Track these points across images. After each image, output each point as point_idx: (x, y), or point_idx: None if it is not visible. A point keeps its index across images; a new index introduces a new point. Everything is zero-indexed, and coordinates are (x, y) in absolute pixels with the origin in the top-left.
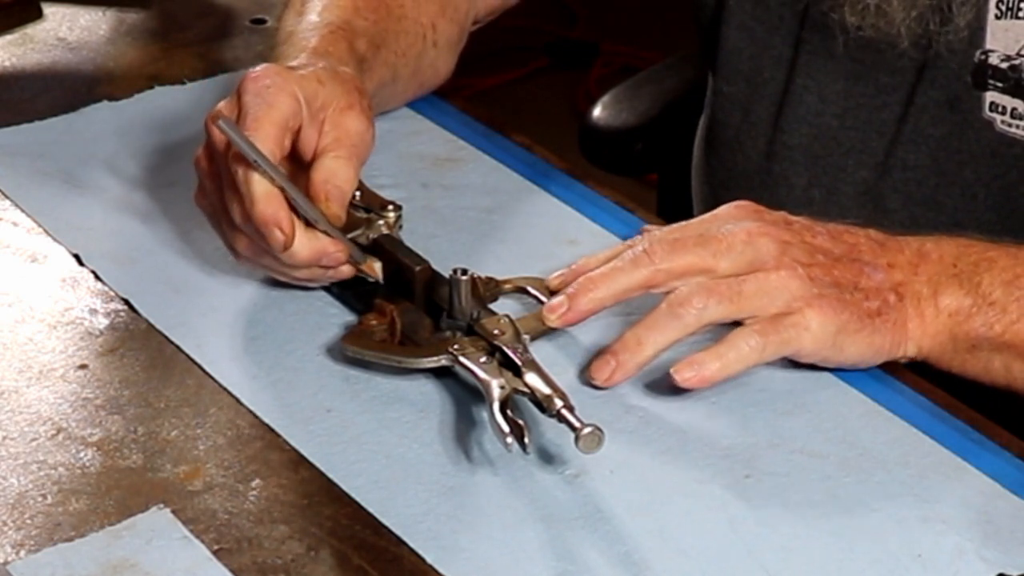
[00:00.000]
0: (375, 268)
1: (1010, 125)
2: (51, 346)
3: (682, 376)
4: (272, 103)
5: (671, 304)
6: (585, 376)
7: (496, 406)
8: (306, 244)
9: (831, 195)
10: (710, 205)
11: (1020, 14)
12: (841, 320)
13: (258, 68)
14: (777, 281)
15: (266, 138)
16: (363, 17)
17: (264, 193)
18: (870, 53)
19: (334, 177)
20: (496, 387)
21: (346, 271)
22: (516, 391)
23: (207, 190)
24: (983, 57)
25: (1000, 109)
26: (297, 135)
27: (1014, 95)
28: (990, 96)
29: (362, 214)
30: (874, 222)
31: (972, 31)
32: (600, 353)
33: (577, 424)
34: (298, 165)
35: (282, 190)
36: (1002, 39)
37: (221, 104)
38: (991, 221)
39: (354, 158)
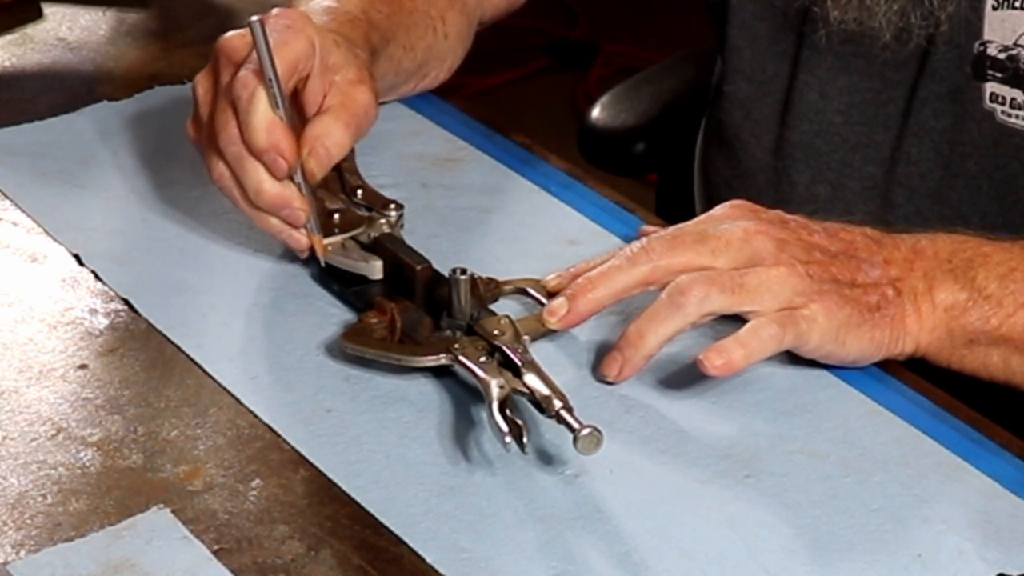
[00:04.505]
0: (323, 245)
1: (1009, 115)
2: (51, 346)
3: (711, 363)
4: (287, 42)
5: (671, 294)
6: (596, 374)
7: (495, 406)
8: (275, 186)
9: (837, 191)
10: (712, 204)
11: (1016, 4)
12: (844, 314)
13: (279, 9)
14: (778, 276)
15: None
16: (377, 9)
17: (267, 122)
18: (866, 48)
19: (327, 136)
20: (495, 387)
21: (301, 238)
22: (515, 391)
23: (199, 116)
24: (981, 48)
25: (1000, 99)
26: (303, 86)
27: (1012, 85)
28: (990, 87)
29: (364, 212)
30: (880, 218)
31: (968, 23)
32: (609, 350)
33: (576, 425)
34: (296, 120)
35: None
36: (999, 29)
37: (237, 32)
38: (993, 213)
39: (353, 127)
